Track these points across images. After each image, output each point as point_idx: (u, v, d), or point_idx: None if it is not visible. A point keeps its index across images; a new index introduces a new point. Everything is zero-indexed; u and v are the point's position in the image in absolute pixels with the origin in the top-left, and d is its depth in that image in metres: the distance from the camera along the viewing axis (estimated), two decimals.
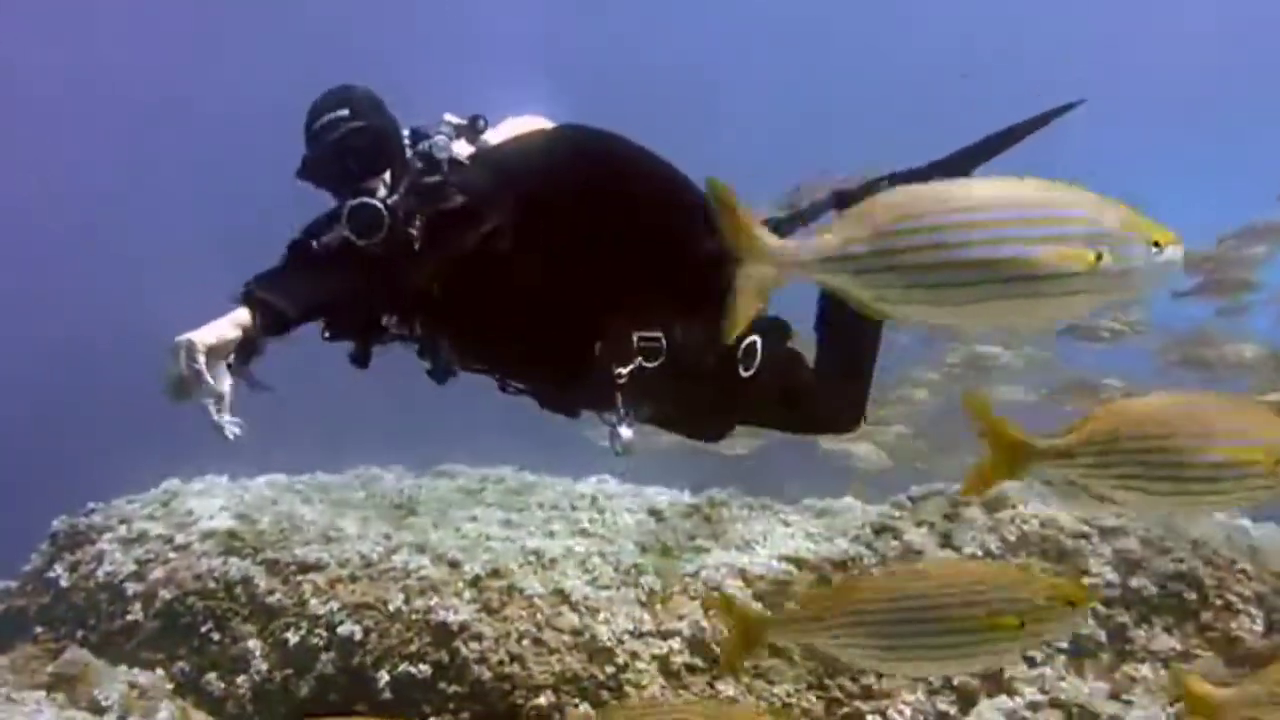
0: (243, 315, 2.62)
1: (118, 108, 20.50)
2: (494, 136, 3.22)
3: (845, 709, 4.42)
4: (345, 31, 18.83)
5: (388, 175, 2.96)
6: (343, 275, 2.90)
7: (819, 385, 3.69)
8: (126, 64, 19.35)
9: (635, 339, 3.18)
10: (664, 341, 3.21)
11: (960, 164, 3.52)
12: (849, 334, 3.75)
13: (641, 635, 4.61)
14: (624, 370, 3.15)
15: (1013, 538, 4.92)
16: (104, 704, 4.25)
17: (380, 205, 2.85)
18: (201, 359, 2.54)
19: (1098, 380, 6.79)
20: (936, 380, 7.38)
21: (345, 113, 2.96)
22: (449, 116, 3.16)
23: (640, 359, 3.17)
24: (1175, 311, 7.00)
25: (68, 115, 20.53)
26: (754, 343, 3.45)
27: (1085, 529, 4.90)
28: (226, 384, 2.90)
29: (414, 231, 2.89)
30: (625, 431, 3.25)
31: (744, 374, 3.43)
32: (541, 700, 4.41)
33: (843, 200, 3.73)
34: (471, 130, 3.16)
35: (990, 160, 3.48)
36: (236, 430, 2.84)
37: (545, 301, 3.11)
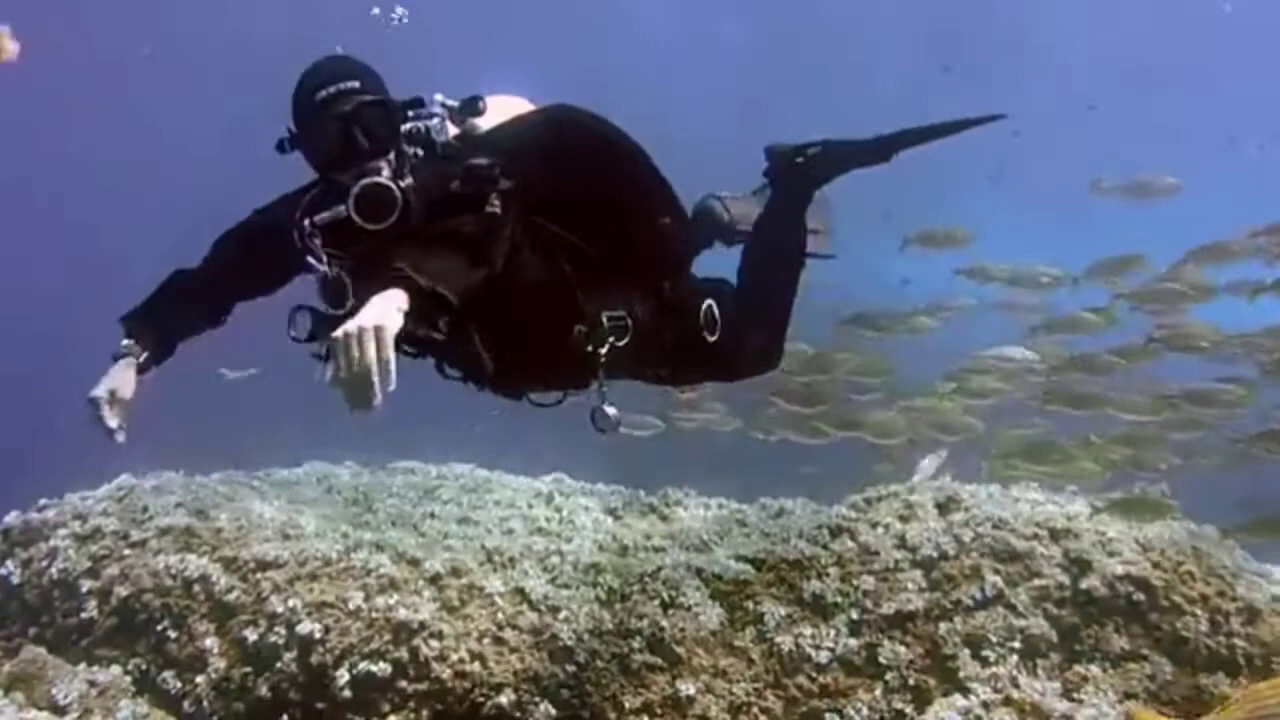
0: (402, 299, 2.38)
1: (114, 98, 20.02)
2: (480, 119, 3.17)
3: (803, 707, 4.49)
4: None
5: (392, 155, 2.84)
6: (485, 259, 2.71)
7: (748, 330, 3.78)
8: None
9: (605, 319, 3.20)
10: (628, 319, 3.24)
11: (890, 145, 3.82)
12: (770, 277, 3.92)
13: (602, 635, 4.64)
14: (603, 351, 3.17)
15: (966, 539, 5.00)
16: (62, 703, 4.20)
17: (393, 187, 2.75)
18: (390, 349, 2.27)
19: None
20: (1024, 374, 6.90)
21: (355, 84, 2.80)
22: (440, 97, 3.08)
23: (612, 338, 3.20)
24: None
25: (59, 110, 20.04)
26: (710, 307, 3.52)
27: (1037, 530, 5.01)
28: (131, 387, 2.83)
29: (494, 209, 2.75)
30: (610, 410, 3.28)
31: (710, 339, 3.51)
32: (502, 699, 4.43)
33: (769, 153, 3.99)
34: (470, 111, 3.09)
35: (914, 148, 3.77)
36: (122, 436, 2.77)
37: (542, 287, 3.09)
